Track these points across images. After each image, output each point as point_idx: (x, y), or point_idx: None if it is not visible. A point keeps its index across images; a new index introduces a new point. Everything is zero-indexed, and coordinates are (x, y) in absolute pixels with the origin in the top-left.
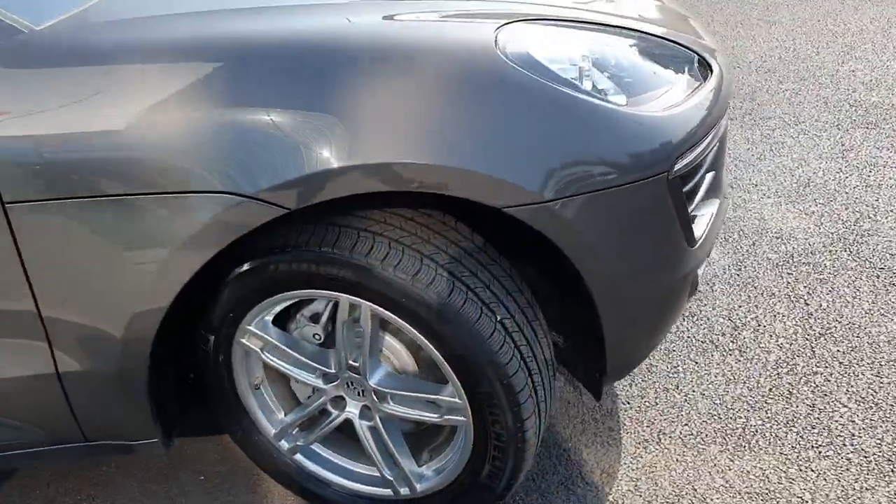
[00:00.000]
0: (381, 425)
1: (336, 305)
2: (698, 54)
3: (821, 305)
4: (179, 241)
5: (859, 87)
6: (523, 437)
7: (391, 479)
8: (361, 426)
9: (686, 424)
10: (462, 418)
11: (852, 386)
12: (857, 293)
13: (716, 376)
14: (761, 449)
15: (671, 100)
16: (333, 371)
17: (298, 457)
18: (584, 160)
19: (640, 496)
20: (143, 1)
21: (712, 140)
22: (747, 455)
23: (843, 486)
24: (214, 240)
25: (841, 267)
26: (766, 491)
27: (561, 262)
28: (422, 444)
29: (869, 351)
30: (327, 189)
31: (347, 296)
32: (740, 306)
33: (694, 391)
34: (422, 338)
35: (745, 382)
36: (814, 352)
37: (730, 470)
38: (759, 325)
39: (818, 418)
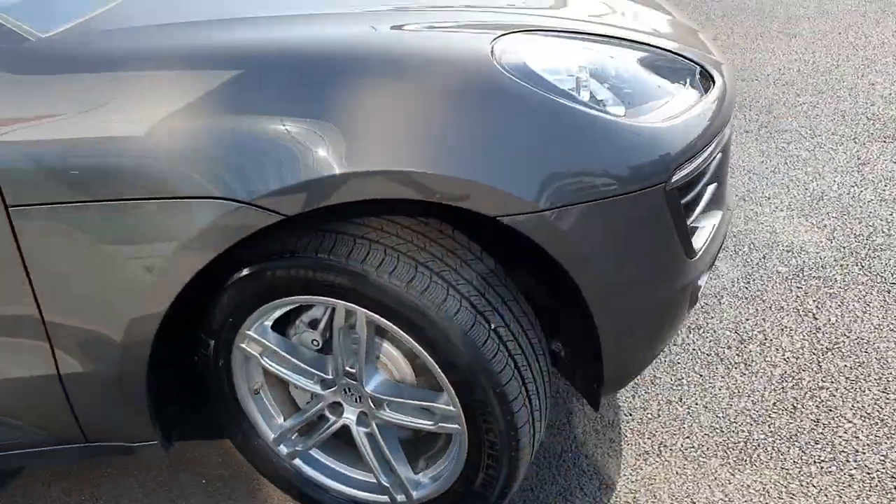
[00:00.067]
0: (377, 432)
1: (333, 312)
2: (701, 66)
3: (829, 320)
4: (177, 246)
5: (878, 100)
6: (517, 446)
7: (388, 485)
8: (358, 432)
9: (687, 437)
10: (456, 426)
11: (858, 402)
12: (868, 308)
13: (720, 389)
14: (763, 463)
15: (670, 111)
16: (331, 377)
17: (297, 462)
18: (579, 170)
19: None
20: (148, 10)
21: (713, 152)
22: (748, 469)
23: (844, 502)
24: (212, 245)
25: (852, 281)
26: None
27: (559, 272)
28: (419, 452)
29: (877, 367)
30: (322, 196)
31: (343, 302)
32: (747, 319)
33: (697, 404)
34: (416, 345)
35: (749, 396)
36: (820, 366)
37: (730, 484)
38: (766, 339)
39: (822, 433)
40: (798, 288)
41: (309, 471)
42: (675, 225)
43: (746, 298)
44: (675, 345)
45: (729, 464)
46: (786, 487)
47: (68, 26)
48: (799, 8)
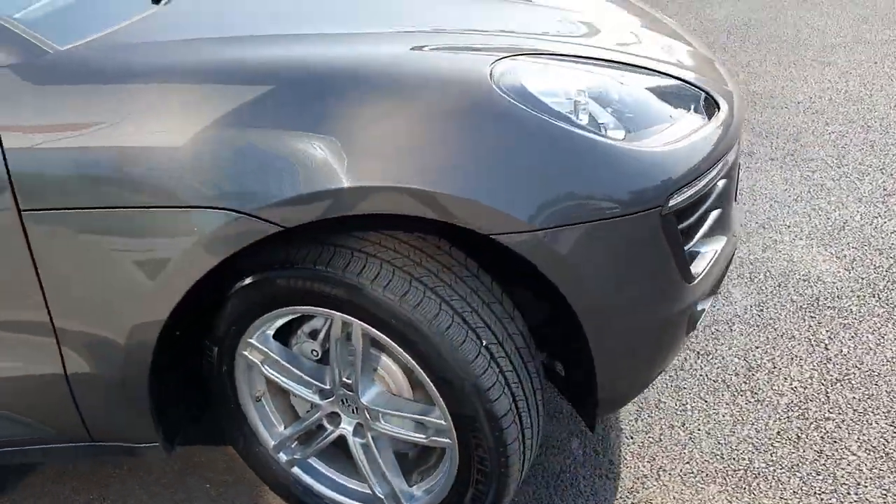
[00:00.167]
0: (372, 443)
1: (332, 323)
2: (706, 92)
3: (841, 351)
4: (178, 254)
5: None
6: (506, 463)
7: (381, 496)
8: (355, 443)
9: (688, 462)
10: (447, 440)
11: (864, 434)
12: (882, 340)
13: (723, 416)
14: (762, 492)
15: (671, 136)
16: (329, 387)
17: (296, 470)
18: (573, 192)
19: None
20: (161, 27)
21: (714, 178)
22: (746, 497)
23: None
24: (212, 254)
25: (868, 313)
26: None
27: (555, 291)
28: (415, 465)
29: (886, 400)
30: (319, 209)
31: (340, 314)
32: (757, 347)
33: (699, 430)
34: (409, 358)
35: (753, 424)
36: (828, 397)
37: None
38: (775, 368)
39: (824, 465)
40: (812, 317)
41: (307, 479)
42: (671, 249)
43: (758, 326)
44: (681, 370)
45: (727, 491)
46: None
47: (86, 40)
48: (835, 37)
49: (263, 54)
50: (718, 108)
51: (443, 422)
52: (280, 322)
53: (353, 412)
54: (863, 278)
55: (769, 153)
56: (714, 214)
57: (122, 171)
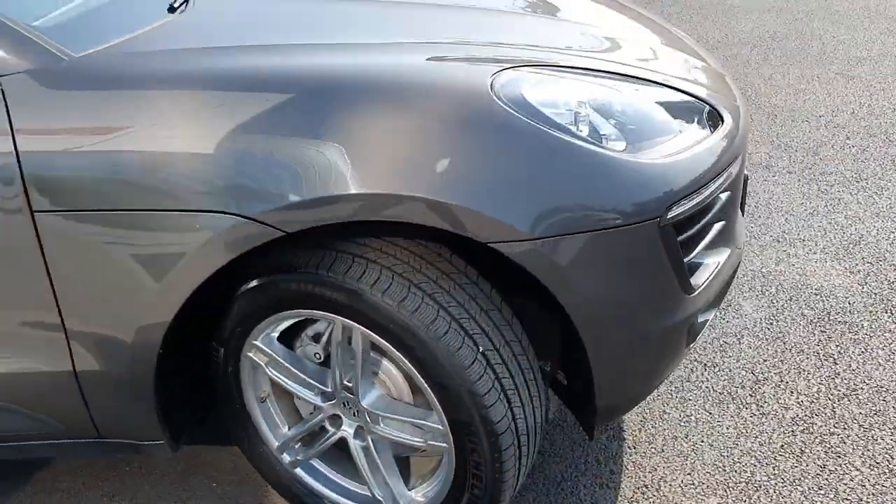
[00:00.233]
0: (372, 446)
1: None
2: (711, 105)
3: (850, 366)
4: (183, 256)
5: None
6: (501, 469)
7: (380, 499)
8: (355, 445)
9: (689, 474)
10: (444, 445)
11: (868, 450)
12: (892, 356)
13: (727, 428)
14: None
15: (672, 148)
16: (330, 390)
17: (298, 471)
18: (570, 202)
19: None
20: (174, 36)
21: (716, 190)
22: None
23: None
24: (216, 257)
25: (879, 328)
26: None
27: (554, 300)
28: (416, 469)
29: (893, 415)
30: (319, 215)
31: (340, 318)
32: (765, 360)
33: (703, 441)
34: (407, 363)
35: (756, 437)
36: (834, 412)
37: None
38: (782, 381)
39: (827, 479)
40: (822, 332)
41: (309, 480)
42: (670, 260)
43: (767, 339)
44: (687, 381)
45: (727, 502)
46: None
47: (100, 48)
48: (861, 50)
49: (269, 63)
50: (722, 122)
51: (440, 426)
52: (284, 325)
53: (354, 415)
54: (876, 293)
55: (787, 166)
56: (717, 227)
57: (130, 175)
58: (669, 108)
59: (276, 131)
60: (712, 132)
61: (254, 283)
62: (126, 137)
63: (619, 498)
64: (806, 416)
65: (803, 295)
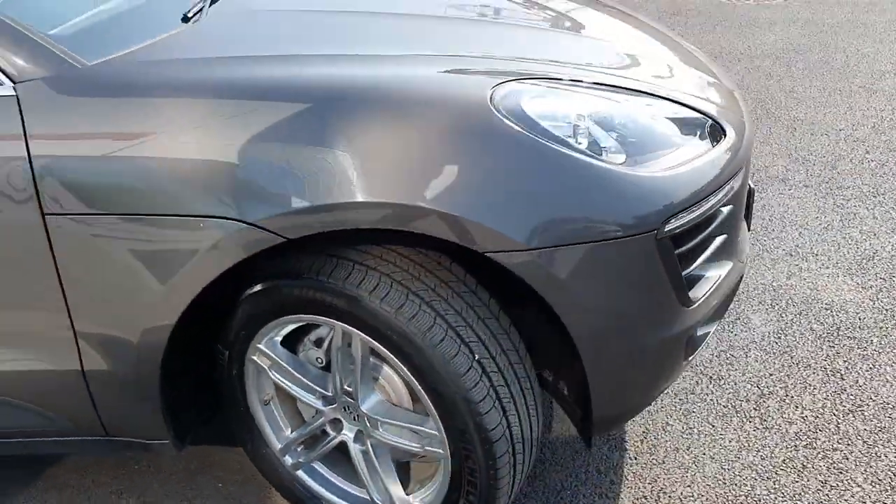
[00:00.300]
0: (372, 450)
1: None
2: (714, 119)
3: (857, 381)
4: (187, 261)
5: None
6: (495, 476)
7: (379, 502)
8: (355, 449)
9: (689, 486)
10: (440, 451)
11: (871, 466)
12: None
13: (730, 441)
14: None
15: (671, 162)
16: (331, 394)
17: (300, 473)
18: (566, 212)
19: None
20: (185, 45)
21: (716, 204)
22: None
23: None
24: (219, 262)
25: (888, 345)
26: None
27: (551, 310)
28: (416, 474)
29: None
30: (319, 223)
31: (340, 323)
32: (771, 374)
33: (704, 454)
34: (404, 369)
35: (758, 451)
36: (838, 428)
37: None
38: (787, 395)
39: (827, 495)
40: (830, 347)
41: (310, 482)
42: (667, 273)
43: (774, 353)
44: (692, 394)
45: None
46: None
47: (113, 56)
48: (886, 64)
49: (275, 73)
50: (725, 136)
51: (436, 433)
52: (288, 329)
53: (355, 419)
54: (887, 310)
55: (804, 180)
56: (719, 240)
57: (136, 181)
58: (672, 121)
59: (279, 140)
60: (714, 146)
61: (258, 287)
62: (134, 144)
63: None
64: (810, 431)
65: (813, 309)
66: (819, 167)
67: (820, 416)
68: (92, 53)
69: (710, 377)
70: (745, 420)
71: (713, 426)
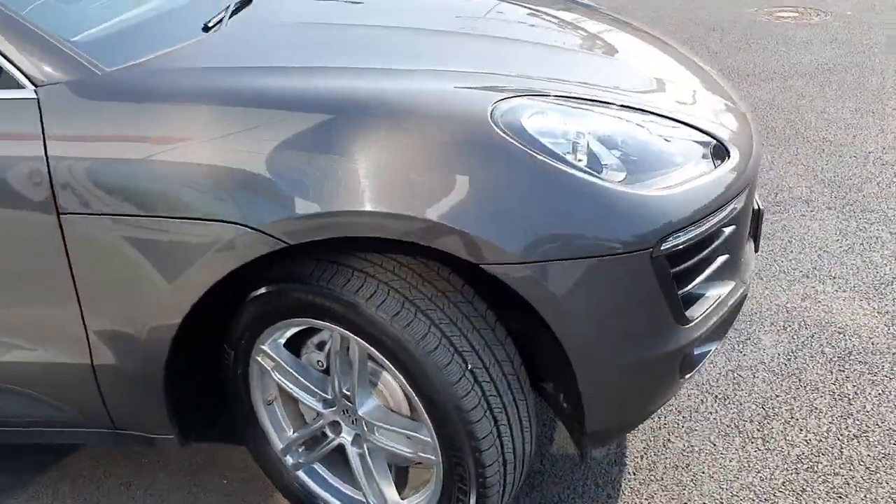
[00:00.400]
0: (368, 454)
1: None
2: (718, 140)
3: (864, 407)
4: (193, 262)
5: None
6: (484, 484)
7: None
8: (352, 452)
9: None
10: (433, 457)
11: (871, 493)
12: None
13: (730, 461)
14: None
15: (671, 181)
16: (330, 397)
17: (300, 473)
18: (560, 228)
19: None
20: (203, 54)
21: (716, 224)
22: None
23: None
24: (222, 264)
25: None
26: None
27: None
28: (412, 479)
29: None
30: (318, 229)
31: (339, 328)
32: (777, 396)
33: (703, 472)
34: (398, 375)
35: (758, 472)
36: (841, 452)
37: None
38: (792, 418)
39: None
40: (840, 371)
41: (310, 483)
42: (663, 291)
43: (783, 375)
44: (696, 412)
45: None
46: None
47: (131, 63)
48: None
49: (282, 84)
50: (729, 157)
51: (429, 439)
52: (291, 332)
53: (353, 423)
54: None
55: (828, 202)
56: (721, 260)
57: (146, 183)
58: (675, 141)
59: (283, 149)
60: (717, 167)
61: (262, 290)
62: (146, 148)
63: None
64: (812, 454)
65: (826, 333)
66: (844, 189)
67: (824, 439)
68: (111, 60)
69: (716, 396)
70: (747, 441)
71: (714, 445)
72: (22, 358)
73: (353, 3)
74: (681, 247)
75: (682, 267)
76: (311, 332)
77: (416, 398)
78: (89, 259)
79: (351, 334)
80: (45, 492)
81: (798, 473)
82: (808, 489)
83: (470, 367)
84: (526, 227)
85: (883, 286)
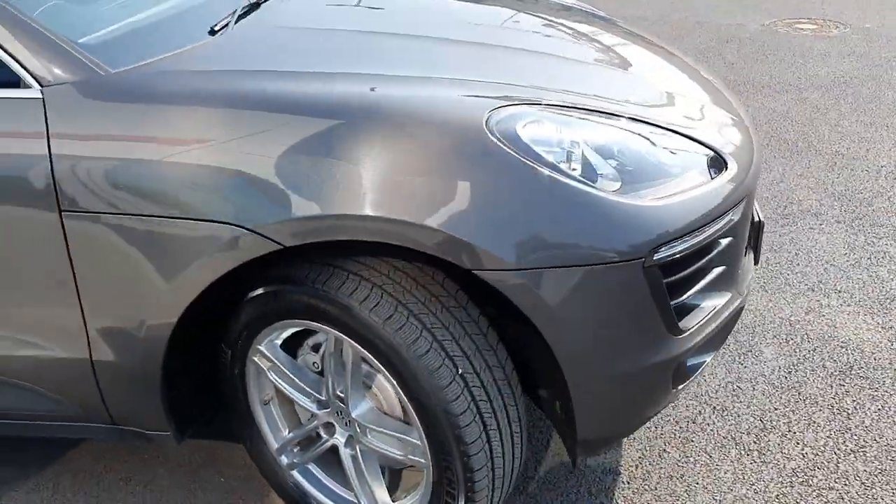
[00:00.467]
0: (360, 456)
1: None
2: (716, 151)
3: (863, 422)
4: (190, 262)
5: None
6: (473, 489)
7: None
8: (345, 454)
9: None
10: (422, 460)
11: None
12: None
13: (725, 473)
14: None
15: (665, 191)
16: (325, 398)
17: (295, 473)
18: (553, 236)
19: None
20: (206, 57)
21: (711, 235)
22: None
23: None
24: (219, 264)
25: None
26: None
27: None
28: (404, 481)
29: None
30: (311, 232)
31: (333, 330)
32: (776, 409)
33: (697, 483)
34: (391, 378)
35: (752, 485)
36: (837, 467)
37: None
38: (789, 431)
39: None
40: (840, 385)
41: (304, 483)
42: (655, 301)
43: (782, 388)
44: (693, 423)
45: None
46: None
47: (136, 65)
48: None
49: (279, 88)
50: (727, 168)
51: (419, 442)
52: (287, 333)
53: (346, 424)
54: None
55: (837, 216)
56: (717, 271)
57: (145, 183)
58: (673, 152)
59: (278, 153)
60: (713, 178)
61: (259, 290)
62: (147, 148)
63: None
64: (808, 468)
65: (828, 347)
66: (855, 203)
67: (820, 454)
68: (116, 62)
69: (714, 407)
70: (743, 453)
71: (710, 456)
72: (26, 353)
73: (372, 9)
74: (674, 257)
75: (675, 277)
76: (308, 333)
77: (406, 401)
78: (90, 256)
79: (345, 336)
80: (46, 485)
81: (792, 487)
82: (802, 503)
83: (460, 371)
84: (518, 235)
85: (888, 301)
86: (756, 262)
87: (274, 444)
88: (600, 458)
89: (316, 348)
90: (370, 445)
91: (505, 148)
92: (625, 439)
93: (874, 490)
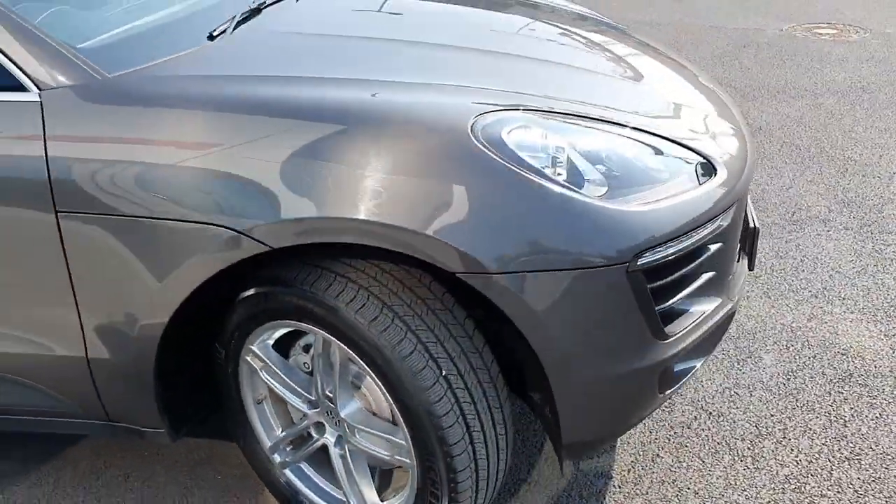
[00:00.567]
0: (349, 455)
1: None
2: (706, 158)
3: (859, 430)
4: (181, 262)
5: None
6: (456, 489)
7: None
8: (335, 453)
9: None
10: (407, 460)
11: None
12: None
13: (717, 478)
14: None
15: (651, 197)
16: (314, 398)
17: (287, 471)
18: (537, 240)
19: None
20: (204, 61)
21: (698, 241)
22: None
23: None
24: (208, 265)
25: None
26: None
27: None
28: (394, 481)
29: (892, 485)
30: (299, 234)
31: (321, 331)
32: (772, 415)
33: (689, 488)
34: (376, 378)
35: (744, 490)
36: (831, 474)
37: None
38: (784, 437)
39: None
40: (839, 393)
41: (296, 481)
42: (639, 305)
43: (780, 394)
44: (687, 427)
45: None
46: None
47: (133, 70)
48: None
49: (270, 93)
50: (716, 175)
51: (404, 443)
52: (279, 333)
53: (335, 424)
54: None
55: (846, 222)
56: (705, 276)
57: (138, 185)
58: (661, 158)
59: (267, 156)
60: (699, 185)
61: (251, 291)
62: (140, 151)
63: None
64: (801, 475)
65: (829, 354)
66: (864, 210)
67: (815, 461)
68: (114, 66)
69: (710, 413)
70: (736, 458)
71: (703, 462)
72: (26, 350)
73: (389, 14)
74: (659, 262)
75: (661, 282)
76: (299, 334)
77: (391, 402)
78: (85, 256)
79: (332, 337)
80: (47, 480)
81: (784, 493)
82: None
83: (444, 373)
84: (502, 239)
85: (892, 309)
86: (751, 268)
87: (267, 443)
88: (593, 462)
89: (307, 349)
90: (359, 445)
91: (489, 153)
92: (618, 443)
93: (867, 498)
